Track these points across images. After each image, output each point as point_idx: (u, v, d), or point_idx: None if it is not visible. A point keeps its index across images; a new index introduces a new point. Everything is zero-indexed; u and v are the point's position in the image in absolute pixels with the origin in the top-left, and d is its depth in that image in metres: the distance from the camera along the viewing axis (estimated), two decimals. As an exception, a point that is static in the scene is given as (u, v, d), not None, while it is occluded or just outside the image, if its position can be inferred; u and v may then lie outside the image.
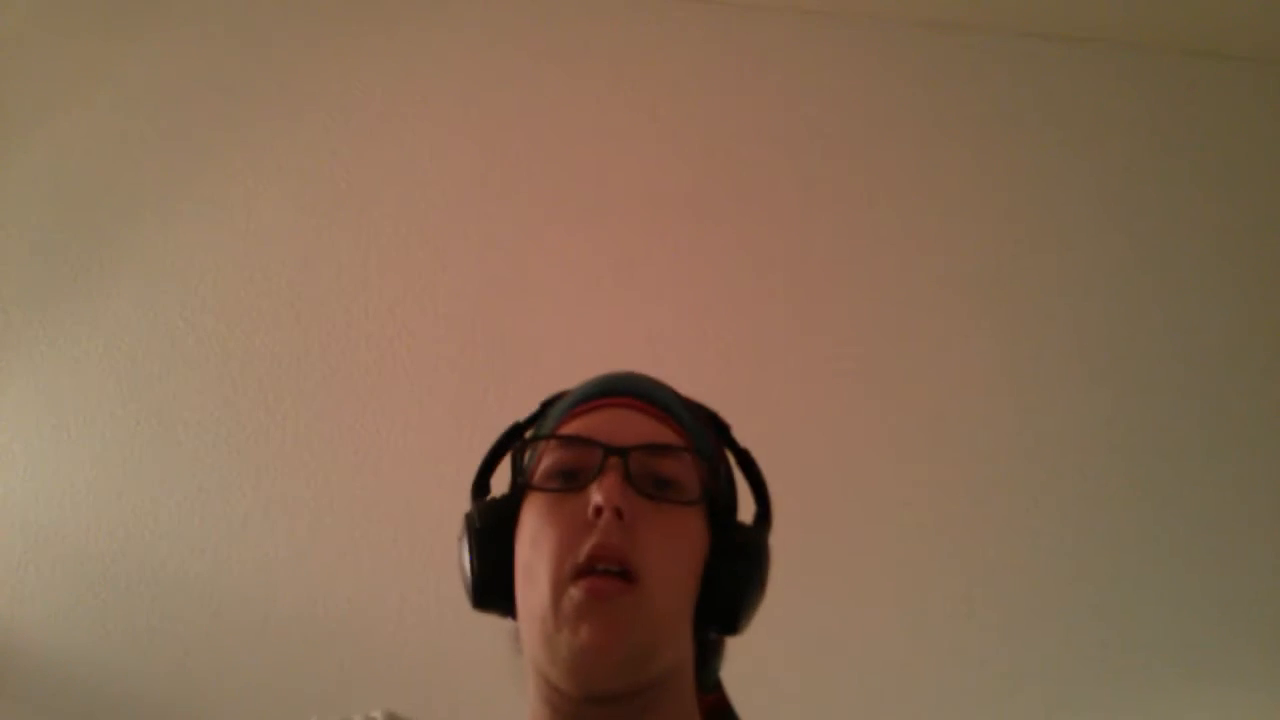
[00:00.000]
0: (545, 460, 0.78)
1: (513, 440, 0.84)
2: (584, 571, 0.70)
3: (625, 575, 0.70)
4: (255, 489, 1.81)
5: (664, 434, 0.78)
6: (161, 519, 1.79)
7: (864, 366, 1.86)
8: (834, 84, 1.89)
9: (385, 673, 1.77)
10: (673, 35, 1.91)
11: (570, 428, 0.79)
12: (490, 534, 0.78)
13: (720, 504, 0.80)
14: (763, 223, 1.87)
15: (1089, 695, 1.88)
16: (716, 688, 0.83)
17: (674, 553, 0.73)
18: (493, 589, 0.77)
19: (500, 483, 0.84)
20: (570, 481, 0.75)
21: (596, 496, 0.71)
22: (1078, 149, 1.92)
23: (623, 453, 0.73)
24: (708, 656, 0.81)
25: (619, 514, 0.71)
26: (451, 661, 1.72)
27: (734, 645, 0.82)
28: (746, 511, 0.83)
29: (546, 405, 0.86)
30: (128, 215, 1.85)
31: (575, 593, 0.69)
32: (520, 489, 0.79)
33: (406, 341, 1.88)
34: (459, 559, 0.80)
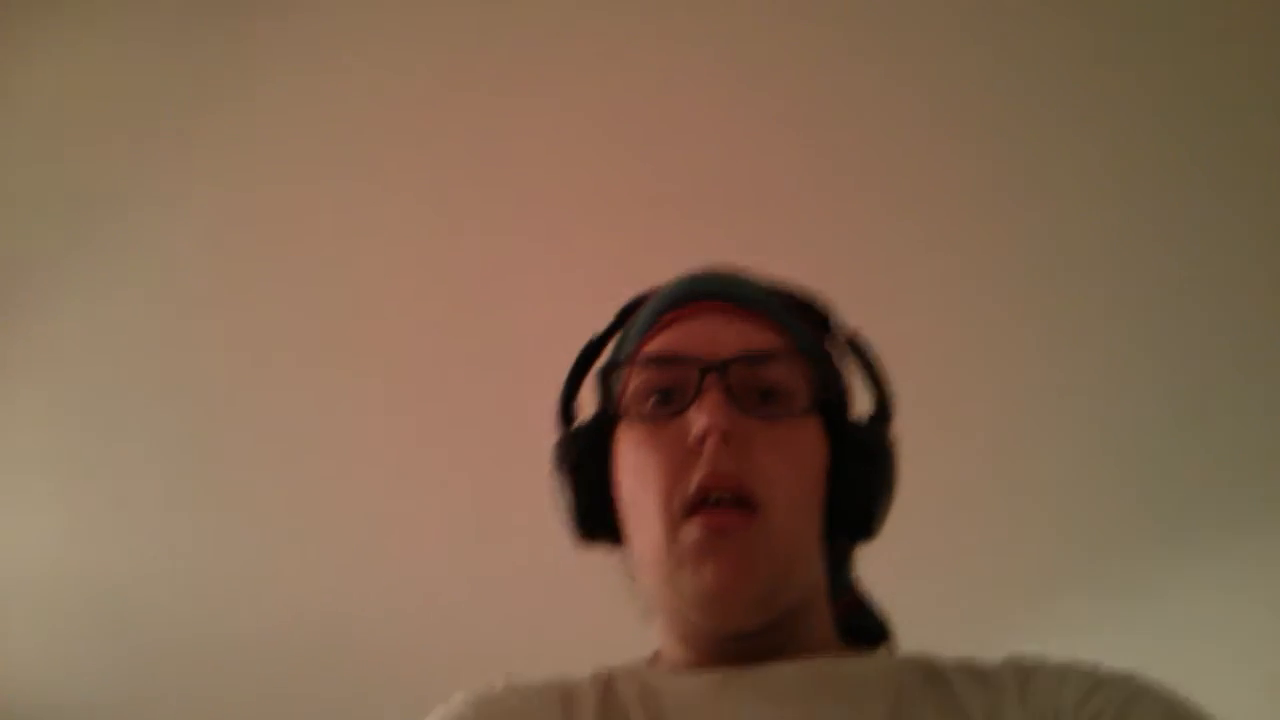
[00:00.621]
0: (634, 382, 0.70)
1: (592, 358, 0.76)
2: (697, 505, 0.63)
3: (744, 504, 0.63)
4: (233, 507, 1.77)
5: (763, 337, 0.69)
6: (140, 552, 1.76)
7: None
8: (814, 74, 1.77)
9: (384, 678, 1.78)
10: (652, 32, 1.77)
11: (657, 344, 0.70)
12: (583, 466, 0.72)
13: (834, 404, 0.71)
14: (751, 217, 1.79)
15: (1132, 554, 1.94)
16: (849, 589, 0.78)
17: (793, 471, 0.66)
18: (596, 521, 0.72)
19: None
20: (666, 405, 0.67)
21: (699, 421, 0.64)
22: (1065, 118, 1.78)
23: (721, 367, 0.65)
24: (839, 565, 0.75)
25: (726, 438, 0.63)
26: (443, 662, 1.66)
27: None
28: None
29: (625, 314, 0.77)
30: (66, 235, 1.74)
31: (691, 530, 0.63)
32: (610, 416, 0.72)
33: (384, 347, 1.79)
34: (555, 492, 0.74)
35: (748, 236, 1.70)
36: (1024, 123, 1.71)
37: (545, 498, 0.73)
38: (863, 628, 0.77)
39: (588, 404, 0.77)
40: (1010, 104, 1.69)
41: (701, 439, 0.63)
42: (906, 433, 0.73)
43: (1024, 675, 0.62)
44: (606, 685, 0.67)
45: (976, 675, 0.63)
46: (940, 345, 1.87)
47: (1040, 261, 1.84)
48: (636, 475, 0.67)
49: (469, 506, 1.74)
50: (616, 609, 0.74)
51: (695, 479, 0.63)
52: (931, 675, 0.64)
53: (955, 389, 1.89)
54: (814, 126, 1.74)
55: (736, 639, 0.65)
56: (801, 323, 0.74)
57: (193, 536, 1.79)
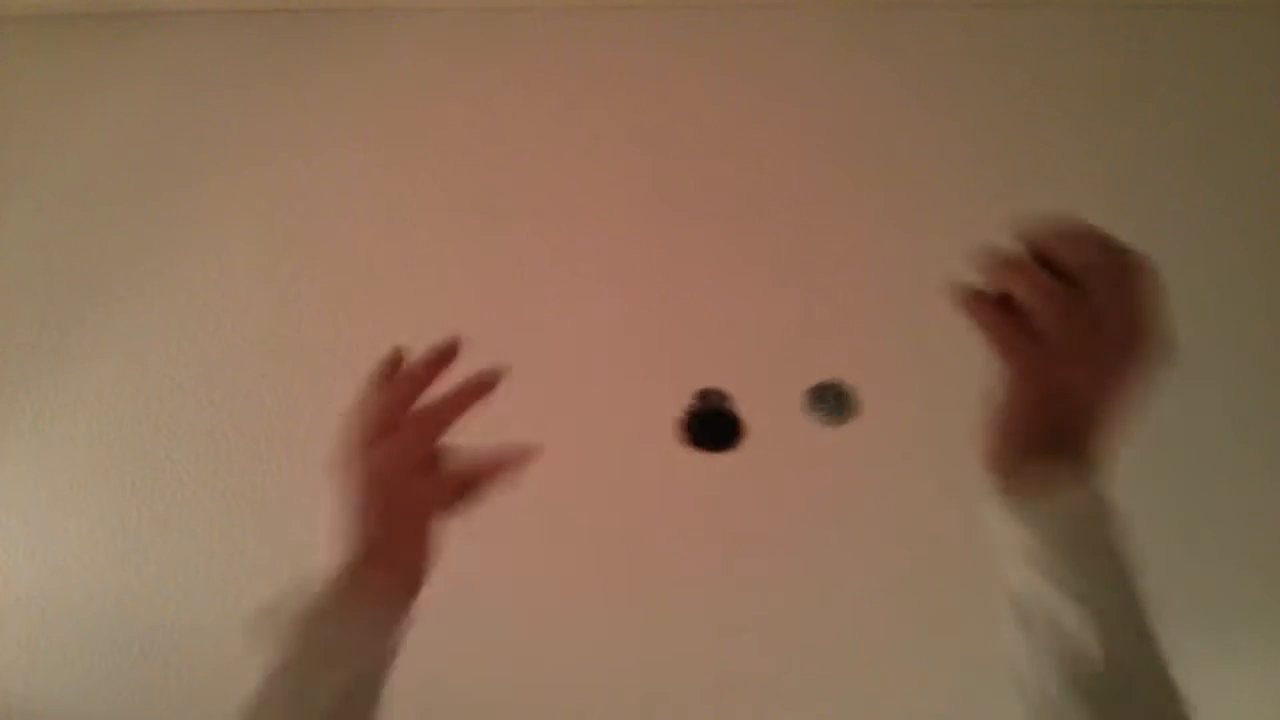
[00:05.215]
0: None
1: None
2: None
3: None
4: (258, 538, 1.77)
5: None
6: (168, 578, 1.77)
7: (853, 356, 1.77)
8: (798, 73, 1.85)
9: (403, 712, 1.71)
10: (633, 42, 1.87)
11: None
12: None
13: None
14: (742, 217, 1.81)
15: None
16: None
17: None
18: None
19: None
20: None
21: None
22: (1058, 115, 1.84)
23: None
24: None
25: None
26: (461, 697, 1.63)
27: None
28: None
29: None
30: (99, 279, 1.83)
31: None
32: None
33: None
34: None
35: (761, 241, 1.74)
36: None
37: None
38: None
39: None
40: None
41: None
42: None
43: None
44: None
45: None
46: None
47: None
48: None
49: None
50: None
51: None
52: None
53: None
54: (822, 134, 1.80)
55: None
56: None
57: (227, 566, 1.78)
